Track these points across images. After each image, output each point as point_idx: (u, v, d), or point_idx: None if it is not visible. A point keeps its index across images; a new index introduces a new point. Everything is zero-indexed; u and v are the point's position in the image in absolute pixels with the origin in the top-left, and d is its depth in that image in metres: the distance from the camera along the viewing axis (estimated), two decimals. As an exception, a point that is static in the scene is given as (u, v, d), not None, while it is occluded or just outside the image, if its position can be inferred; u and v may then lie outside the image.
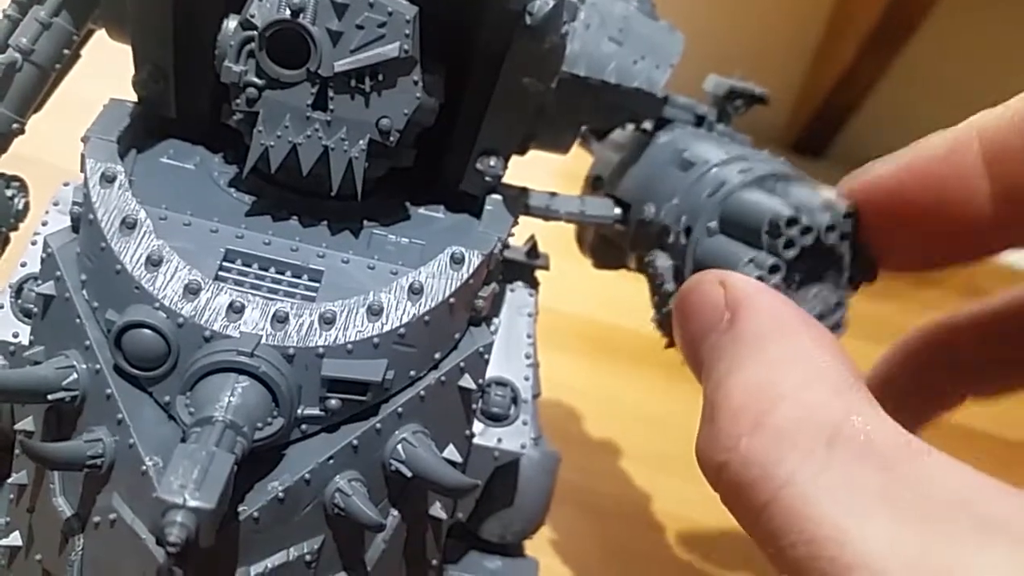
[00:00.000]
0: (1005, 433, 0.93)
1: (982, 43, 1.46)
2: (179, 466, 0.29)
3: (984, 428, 0.88)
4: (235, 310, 0.34)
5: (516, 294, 0.46)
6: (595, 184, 0.50)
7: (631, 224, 0.45)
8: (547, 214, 0.45)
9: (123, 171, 0.37)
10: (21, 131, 0.43)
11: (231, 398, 0.32)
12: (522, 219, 0.43)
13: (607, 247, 0.48)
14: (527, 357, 0.45)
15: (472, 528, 0.46)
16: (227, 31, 0.36)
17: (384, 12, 0.34)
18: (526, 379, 0.44)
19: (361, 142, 0.36)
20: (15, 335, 0.40)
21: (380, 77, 0.35)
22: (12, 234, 0.45)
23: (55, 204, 0.43)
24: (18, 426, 0.37)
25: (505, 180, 0.42)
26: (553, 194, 0.45)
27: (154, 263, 0.35)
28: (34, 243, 0.41)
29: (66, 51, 0.43)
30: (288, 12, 0.34)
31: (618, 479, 0.80)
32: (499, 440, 0.43)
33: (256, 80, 0.36)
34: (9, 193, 0.44)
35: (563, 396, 0.85)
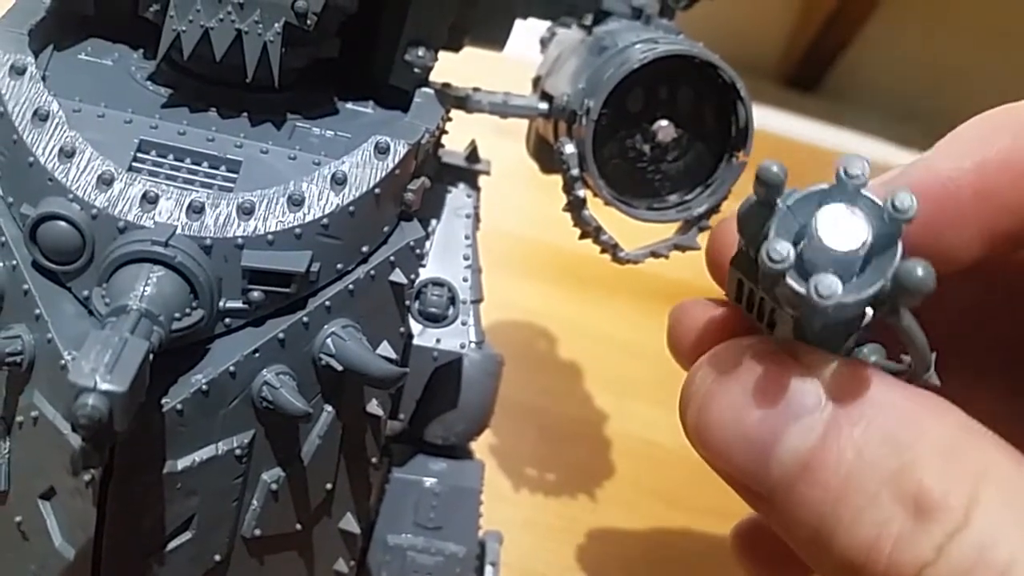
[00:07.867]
0: None
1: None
2: (91, 351, 0.28)
3: None
4: (149, 200, 0.33)
5: (454, 195, 0.46)
6: (535, 84, 0.49)
7: (553, 116, 0.44)
8: (470, 105, 0.43)
9: (33, 62, 0.36)
10: None
11: (146, 287, 0.31)
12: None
13: (547, 149, 0.47)
14: (465, 259, 0.44)
15: (416, 432, 0.46)
16: None
17: None
18: (464, 280, 0.44)
19: (276, 25, 0.35)
20: None
21: None
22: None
23: None
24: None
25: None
26: (476, 88, 0.44)
27: (67, 154, 0.34)
28: None
29: None
30: None
31: (581, 402, 0.80)
32: (438, 340, 0.43)
33: None
34: None
35: (532, 320, 0.84)
